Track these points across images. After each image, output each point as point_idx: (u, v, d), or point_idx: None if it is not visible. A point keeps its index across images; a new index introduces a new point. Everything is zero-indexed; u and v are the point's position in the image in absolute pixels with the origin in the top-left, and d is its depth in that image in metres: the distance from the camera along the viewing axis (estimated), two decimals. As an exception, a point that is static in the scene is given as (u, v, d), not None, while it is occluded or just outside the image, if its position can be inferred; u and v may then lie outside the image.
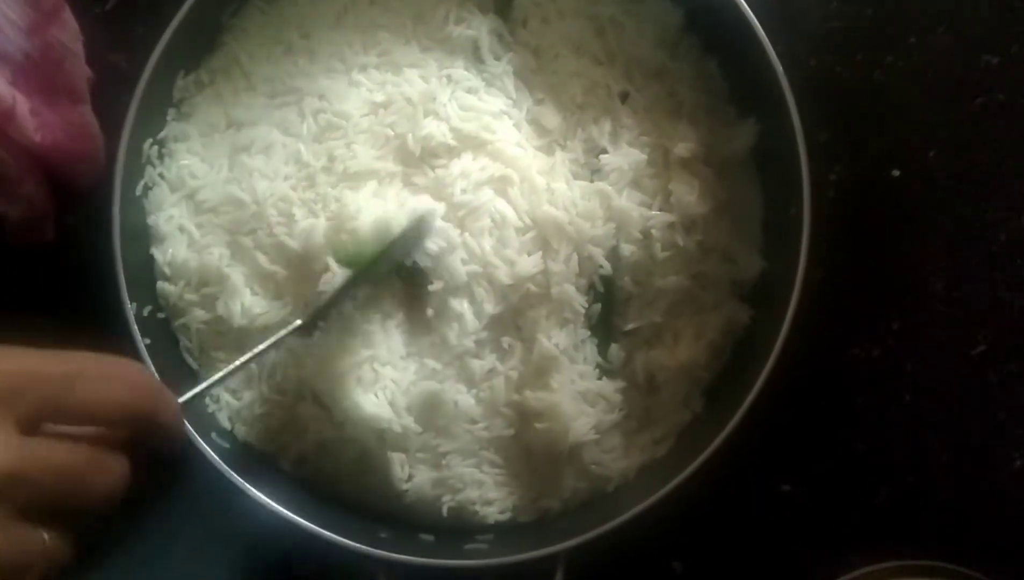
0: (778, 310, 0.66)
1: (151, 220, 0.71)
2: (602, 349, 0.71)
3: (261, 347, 0.63)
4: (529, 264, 0.68)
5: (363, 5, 0.72)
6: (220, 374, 0.62)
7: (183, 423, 0.55)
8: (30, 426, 0.45)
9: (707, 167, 0.71)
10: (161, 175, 0.72)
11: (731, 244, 0.71)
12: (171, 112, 0.72)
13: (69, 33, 0.70)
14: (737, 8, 0.67)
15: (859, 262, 0.77)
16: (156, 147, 0.71)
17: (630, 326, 0.71)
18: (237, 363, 0.63)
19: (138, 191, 0.70)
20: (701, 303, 0.72)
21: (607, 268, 0.69)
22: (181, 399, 0.58)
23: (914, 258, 0.77)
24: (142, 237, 0.71)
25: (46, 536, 0.46)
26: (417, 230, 0.66)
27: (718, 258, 0.71)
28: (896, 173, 0.78)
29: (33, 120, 0.67)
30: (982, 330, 0.77)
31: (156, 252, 0.71)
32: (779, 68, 0.66)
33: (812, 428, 0.76)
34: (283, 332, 0.64)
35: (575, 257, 0.69)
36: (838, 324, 0.77)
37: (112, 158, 0.68)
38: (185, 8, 0.68)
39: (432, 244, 0.67)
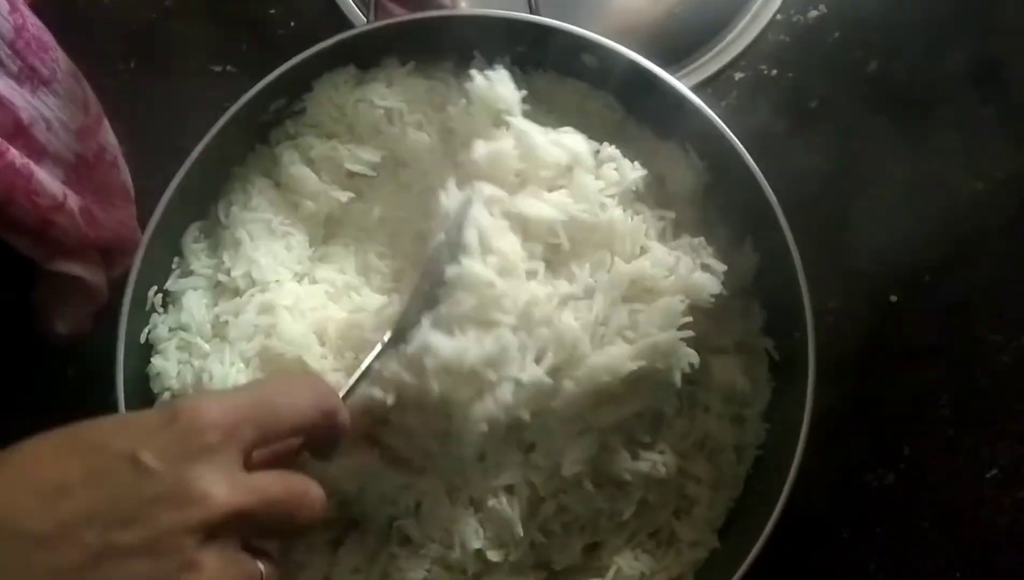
0: (790, 437, 0.66)
1: (154, 368, 0.70)
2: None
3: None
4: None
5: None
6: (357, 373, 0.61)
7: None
8: (247, 457, 0.47)
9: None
10: (166, 324, 0.71)
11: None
12: (176, 261, 0.72)
13: (112, 137, 0.72)
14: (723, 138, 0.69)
15: (865, 388, 0.77)
16: (160, 295, 0.71)
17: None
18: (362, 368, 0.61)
19: (142, 339, 0.70)
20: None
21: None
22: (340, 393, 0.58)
23: (919, 383, 0.78)
24: (145, 386, 0.70)
25: (262, 567, 0.47)
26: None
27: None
28: (894, 298, 0.79)
29: (81, 217, 0.68)
30: (993, 453, 0.76)
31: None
32: (773, 198, 0.68)
33: (832, 559, 0.74)
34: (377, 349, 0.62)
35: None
36: (850, 452, 0.76)
37: (116, 308, 0.67)
38: (184, 168, 0.68)
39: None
